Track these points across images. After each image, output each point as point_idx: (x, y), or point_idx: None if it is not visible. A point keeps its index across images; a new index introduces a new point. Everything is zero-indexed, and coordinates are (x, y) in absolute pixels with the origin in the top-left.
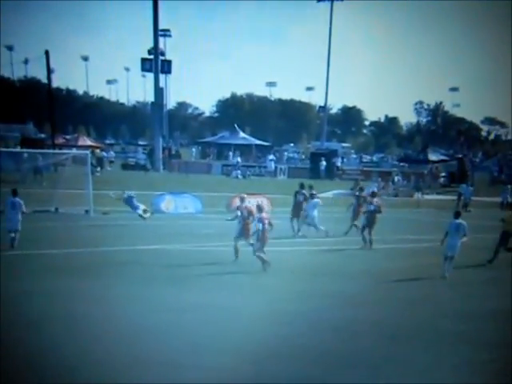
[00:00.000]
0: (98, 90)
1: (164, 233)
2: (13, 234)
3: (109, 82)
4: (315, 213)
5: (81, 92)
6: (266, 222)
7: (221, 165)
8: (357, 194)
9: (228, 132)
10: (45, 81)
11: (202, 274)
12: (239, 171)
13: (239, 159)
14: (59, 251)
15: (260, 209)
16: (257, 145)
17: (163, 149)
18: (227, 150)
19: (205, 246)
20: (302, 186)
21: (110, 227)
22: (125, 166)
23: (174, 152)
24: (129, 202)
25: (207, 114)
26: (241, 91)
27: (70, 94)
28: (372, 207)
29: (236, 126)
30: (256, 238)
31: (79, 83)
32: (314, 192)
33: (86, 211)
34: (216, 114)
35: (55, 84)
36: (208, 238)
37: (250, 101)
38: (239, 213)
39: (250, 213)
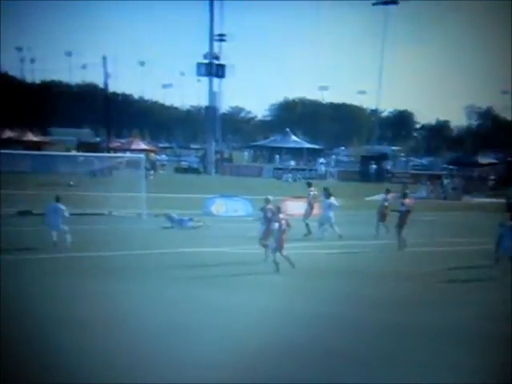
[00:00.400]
0: (153, 94)
1: (213, 235)
2: (54, 233)
3: (165, 86)
4: (330, 214)
5: (136, 97)
6: (283, 222)
7: (272, 168)
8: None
9: (280, 135)
10: (102, 86)
11: (245, 275)
12: (290, 174)
13: (292, 163)
14: (110, 253)
15: (278, 209)
16: (308, 148)
17: (216, 152)
18: (278, 154)
19: (251, 249)
20: (309, 185)
21: (160, 230)
22: (177, 170)
23: (226, 155)
24: (172, 221)
25: (259, 117)
26: (293, 95)
27: (126, 98)
28: (403, 208)
29: (288, 129)
30: (273, 238)
31: (135, 88)
32: (330, 192)
33: (139, 214)
34: (268, 118)
35: (111, 89)
36: (255, 240)
37: (303, 104)
38: (262, 214)
39: (274, 214)
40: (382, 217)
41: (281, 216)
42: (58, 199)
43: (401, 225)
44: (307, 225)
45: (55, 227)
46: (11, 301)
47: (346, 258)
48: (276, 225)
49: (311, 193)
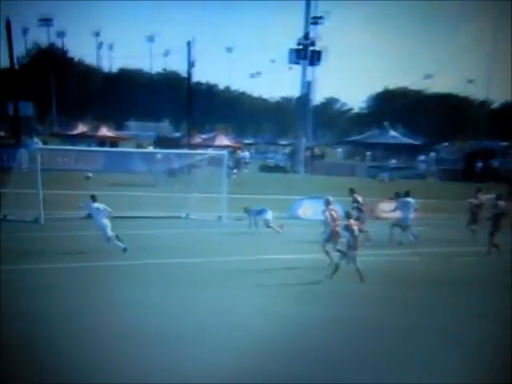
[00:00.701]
0: (240, 84)
1: (296, 240)
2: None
3: (253, 75)
4: (409, 215)
5: (222, 87)
6: (355, 228)
7: (366, 166)
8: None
9: (377, 130)
10: (184, 75)
11: (323, 283)
12: (386, 173)
13: (393, 161)
14: (186, 260)
15: (348, 215)
16: (407, 144)
17: (306, 149)
18: (371, 150)
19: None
20: (352, 191)
21: (240, 235)
22: (263, 168)
23: (317, 152)
24: (250, 214)
25: (356, 110)
26: (394, 85)
27: (210, 89)
28: (496, 210)
29: (386, 123)
30: (347, 247)
31: (221, 77)
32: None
33: (219, 217)
34: (365, 111)
35: (195, 78)
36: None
37: (404, 95)
38: (324, 217)
39: (337, 216)
40: (474, 219)
41: (352, 222)
42: (94, 198)
43: (493, 229)
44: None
45: (104, 232)
46: (70, 312)
47: (434, 264)
48: (346, 233)
49: (358, 199)
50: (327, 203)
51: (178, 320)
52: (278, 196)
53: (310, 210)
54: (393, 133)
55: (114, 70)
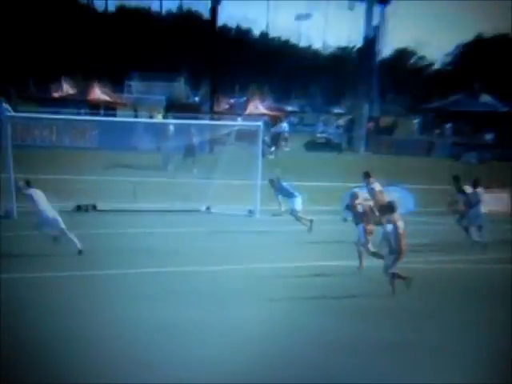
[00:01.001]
0: (283, 29)
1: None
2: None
3: (299, 17)
4: (481, 209)
5: (257, 33)
6: (400, 224)
7: (449, 143)
8: None
9: (464, 94)
10: (207, 16)
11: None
12: (475, 153)
13: (489, 136)
14: (204, 269)
15: (391, 208)
16: (505, 113)
17: (369, 119)
18: (452, 121)
19: (413, 263)
20: (366, 175)
21: (279, 235)
22: (310, 145)
23: (383, 124)
24: (275, 187)
25: (437, 66)
26: (491, 31)
27: (242, 35)
28: None
29: (476, 85)
30: (388, 248)
31: (256, 19)
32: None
33: (250, 211)
34: (450, 67)
35: (221, 20)
36: (418, 252)
37: (504, 45)
38: (351, 214)
39: (369, 211)
40: None
41: (396, 216)
42: (28, 184)
43: None
44: None
45: (54, 225)
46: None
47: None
48: (389, 226)
49: (372, 187)
50: (353, 197)
51: (188, 340)
52: (330, 183)
53: (369, 201)
54: (486, 97)
55: (112, 8)
